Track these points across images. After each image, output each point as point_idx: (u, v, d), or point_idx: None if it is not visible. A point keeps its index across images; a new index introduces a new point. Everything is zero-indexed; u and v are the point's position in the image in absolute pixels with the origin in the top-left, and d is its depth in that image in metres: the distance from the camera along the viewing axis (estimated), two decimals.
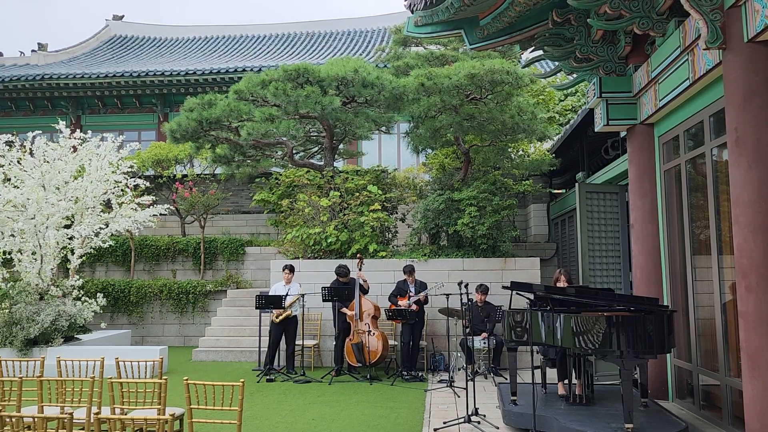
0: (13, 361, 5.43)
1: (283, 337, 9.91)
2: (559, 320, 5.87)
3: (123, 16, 29.42)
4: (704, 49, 5.38)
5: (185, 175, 16.23)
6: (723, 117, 5.51)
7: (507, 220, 11.12)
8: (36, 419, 3.38)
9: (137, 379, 4.65)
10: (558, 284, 7.82)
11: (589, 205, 8.75)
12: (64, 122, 11.86)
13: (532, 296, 6.82)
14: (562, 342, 5.84)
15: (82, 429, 4.51)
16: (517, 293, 6.55)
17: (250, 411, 7.44)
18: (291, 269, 10.11)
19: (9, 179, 11.13)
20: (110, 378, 4.43)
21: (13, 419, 3.37)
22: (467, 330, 9.48)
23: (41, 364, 5.23)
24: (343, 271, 9.85)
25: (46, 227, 10.51)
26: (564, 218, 13.39)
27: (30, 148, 11.10)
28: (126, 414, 4.62)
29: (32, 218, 10.42)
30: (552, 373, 7.70)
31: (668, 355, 7.33)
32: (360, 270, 9.80)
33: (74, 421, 3.53)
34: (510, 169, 12.70)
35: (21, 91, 21.21)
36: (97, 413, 3.42)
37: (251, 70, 19.77)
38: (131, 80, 20.41)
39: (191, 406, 4.15)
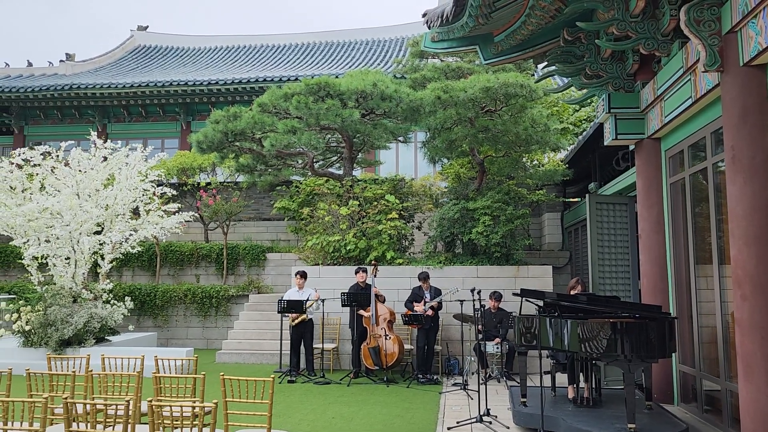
0: (67, 358, 5.90)
1: (302, 340, 10.32)
2: (567, 326, 6.21)
3: (147, 27, 30.20)
4: (703, 72, 5.71)
5: (209, 183, 16.75)
6: (722, 134, 5.83)
7: (521, 229, 11.45)
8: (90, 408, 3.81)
9: (179, 375, 5.06)
10: (572, 292, 8.17)
11: (599, 215, 9.07)
12: (95, 132, 12.43)
13: (541, 303, 7.15)
14: (569, 347, 6.17)
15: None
16: (527, 300, 6.90)
17: (274, 409, 7.84)
18: (303, 275, 10.54)
19: (44, 187, 11.71)
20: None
21: (71, 407, 3.80)
22: (480, 335, 9.82)
23: (87, 362, 5.69)
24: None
25: (80, 233, 11.06)
26: (577, 227, 13.66)
27: (65, 159, 11.66)
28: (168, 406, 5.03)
29: (67, 225, 10.97)
30: (561, 377, 8.03)
31: (674, 360, 7.63)
32: (375, 276, 10.20)
33: (110, 412, 3.95)
34: (524, 179, 13.01)
35: (50, 100, 21.96)
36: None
37: (272, 80, 20.32)
38: (156, 90, 21.04)
39: (226, 399, 4.57)
